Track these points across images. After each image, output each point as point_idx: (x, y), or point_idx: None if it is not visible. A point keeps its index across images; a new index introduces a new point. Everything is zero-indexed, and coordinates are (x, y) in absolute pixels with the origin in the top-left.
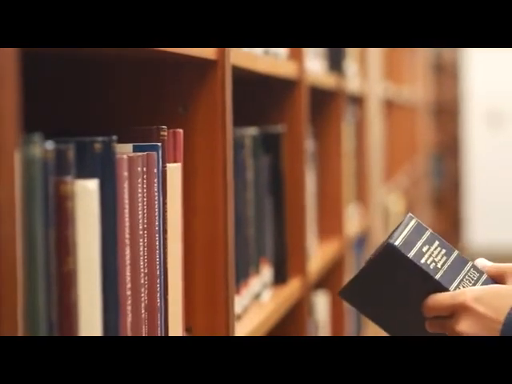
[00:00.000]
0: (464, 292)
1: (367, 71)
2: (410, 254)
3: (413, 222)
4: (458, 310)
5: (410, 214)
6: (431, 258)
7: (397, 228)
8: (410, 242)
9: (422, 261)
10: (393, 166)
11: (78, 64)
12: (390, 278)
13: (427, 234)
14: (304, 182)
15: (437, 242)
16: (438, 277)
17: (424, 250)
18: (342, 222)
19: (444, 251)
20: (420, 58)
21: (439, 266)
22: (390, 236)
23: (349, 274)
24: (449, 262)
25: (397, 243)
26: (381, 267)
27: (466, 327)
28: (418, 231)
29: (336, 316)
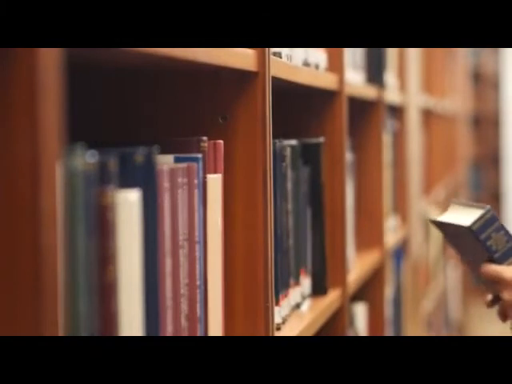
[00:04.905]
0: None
1: (406, 82)
2: (481, 237)
3: (489, 214)
4: (503, 282)
5: (489, 206)
6: (495, 242)
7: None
8: (483, 227)
9: (488, 243)
10: (432, 177)
11: (118, 75)
12: (464, 238)
13: (496, 223)
14: (343, 192)
15: (502, 231)
16: (496, 256)
17: (492, 235)
18: (381, 233)
19: (505, 238)
20: (459, 67)
21: (499, 248)
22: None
23: (388, 285)
24: (507, 247)
25: (474, 228)
26: (462, 231)
27: (507, 296)
28: (491, 220)
29: (375, 327)
